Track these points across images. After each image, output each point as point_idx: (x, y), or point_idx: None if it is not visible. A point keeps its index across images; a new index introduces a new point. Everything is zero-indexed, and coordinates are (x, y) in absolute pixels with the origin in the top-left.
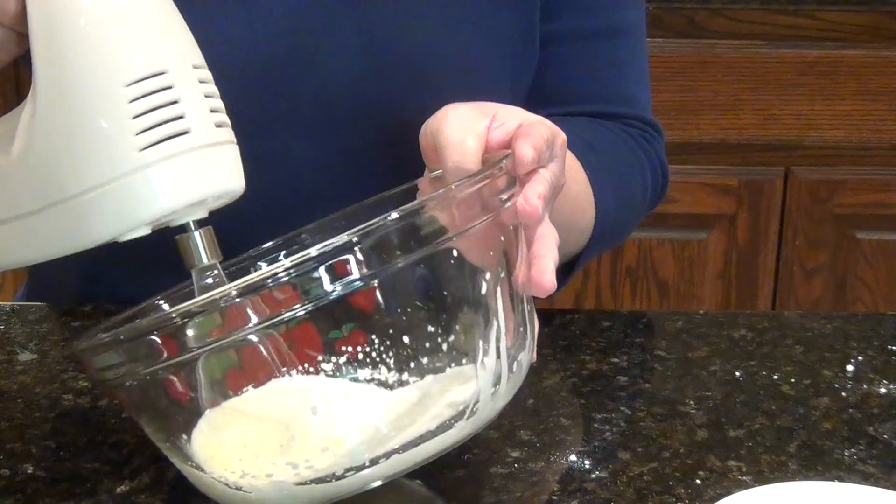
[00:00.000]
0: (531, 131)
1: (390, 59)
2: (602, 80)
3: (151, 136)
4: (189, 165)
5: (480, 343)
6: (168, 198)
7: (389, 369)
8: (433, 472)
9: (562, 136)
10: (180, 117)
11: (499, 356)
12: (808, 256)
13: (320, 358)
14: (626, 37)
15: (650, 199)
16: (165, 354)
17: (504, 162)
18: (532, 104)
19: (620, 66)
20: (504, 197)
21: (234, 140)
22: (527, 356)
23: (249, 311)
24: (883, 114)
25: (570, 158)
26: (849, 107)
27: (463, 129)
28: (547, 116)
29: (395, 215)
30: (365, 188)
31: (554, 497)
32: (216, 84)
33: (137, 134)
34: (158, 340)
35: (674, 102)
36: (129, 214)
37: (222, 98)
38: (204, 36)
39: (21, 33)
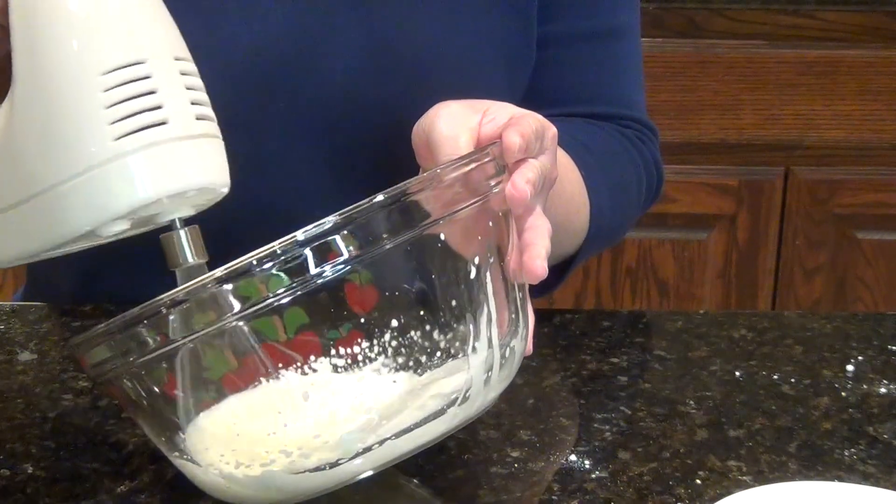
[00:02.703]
0: (520, 122)
1: (389, 61)
2: (598, 82)
3: (127, 125)
4: (166, 156)
5: (471, 328)
6: (144, 188)
7: (388, 369)
8: (433, 472)
9: (552, 130)
10: (158, 107)
11: (490, 343)
12: (808, 256)
13: (320, 360)
14: (622, 39)
15: (645, 200)
16: (154, 344)
17: (492, 148)
18: (529, 105)
19: (616, 67)
20: (492, 183)
21: (219, 135)
22: (520, 344)
23: (234, 298)
24: (883, 114)
25: (566, 159)
26: (849, 107)
27: (455, 126)
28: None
29: (380, 197)
30: (364, 188)
31: (554, 497)
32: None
33: (113, 123)
34: (147, 330)
35: (674, 102)
36: (105, 205)
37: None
38: (204, 37)
39: (4, 28)
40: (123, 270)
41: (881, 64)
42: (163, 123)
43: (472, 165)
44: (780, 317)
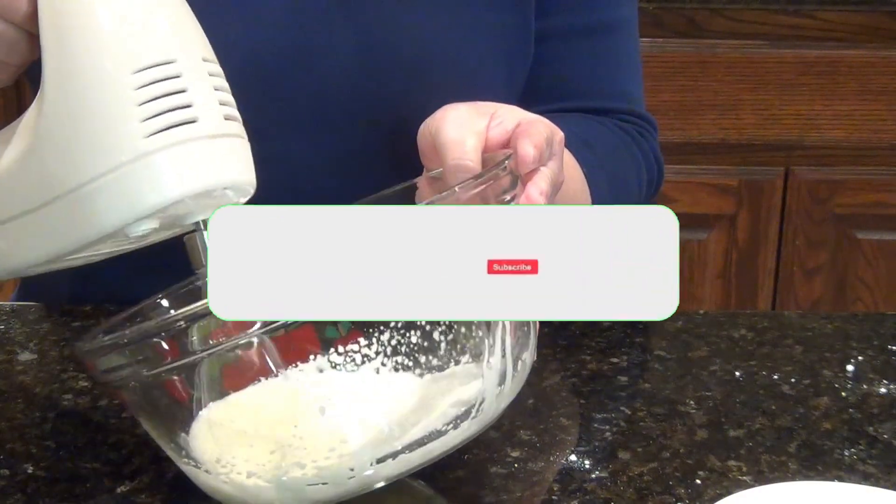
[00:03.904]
0: (531, 130)
1: (386, 59)
2: (597, 76)
3: (158, 122)
4: (195, 154)
5: (486, 342)
6: (174, 185)
7: (388, 368)
8: (433, 472)
9: (560, 134)
10: (188, 106)
11: (504, 355)
12: (808, 256)
13: (319, 358)
14: (620, 33)
15: (645, 194)
16: (170, 357)
17: (507, 162)
18: (527, 101)
19: (614, 61)
20: (507, 197)
21: (245, 136)
22: (530, 355)
23: None
24: (883, 114)
25: (567, 156)
26: (849, 107)
27: (462, 129)
28: (542, 113)
29: None
30: (364, 188)
31: (554, 497)
32: None
33: (144, 121)
34: (163, 343)
35: (674, 102)
36: (135, 202)
37: None
38: None
39: (33, 35)
40: (118, 270)
41: (881, 64)
42: (192, 122)
43: (490, 182)
44: (780, 317)
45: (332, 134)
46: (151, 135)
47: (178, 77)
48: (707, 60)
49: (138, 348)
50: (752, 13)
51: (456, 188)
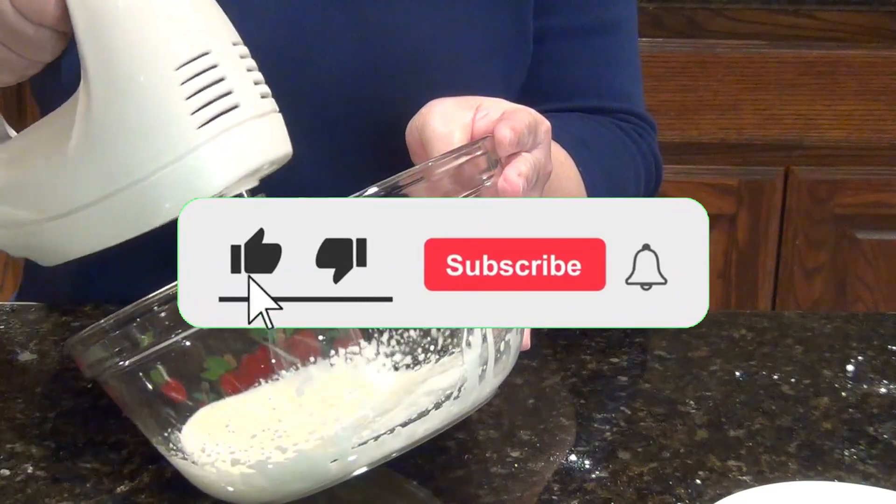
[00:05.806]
0: (513, 116)
1: (384, 57)
2: (595, 76)
3: (205, 114)
4: (243, 137)
5: None
6: (228, 170)
7: (387, 367)
8: (433, 471)
9: (545, 124)
10: (229, 93)
11: (484, 338)
12: (808, 256)
13: (319, 360)
14: (619, 32)
15: (644, 194)
16: (147, 342)
17: (483, 141)
18: (526, 101)
19: (613, 61)
20: (484, 177)
21: (277, 108)
22: (515, 337)
23: None
24: (883, 114)
25: (562, 155)
26: (849, 107)
27: (449, 122)
28: (540, 113)
29: (372, 189)
30: (361, 186)
31: (554, 497)
32: None
33: (192, 114)
34: (140, 328)
35: (674, 102)
36: (192, 191)
37: None
38: None
39: (60, 33)
40: (118, 270)
41: (881, 64)
42: (235, 107)
43: (464, 159)
44: (780, 317)
45: (329, 131)
46: (201, 126)
47: (216, 67)
48: (707, 60)
49: (117, 336)
50: (752, 13)
51: (429, 162)
